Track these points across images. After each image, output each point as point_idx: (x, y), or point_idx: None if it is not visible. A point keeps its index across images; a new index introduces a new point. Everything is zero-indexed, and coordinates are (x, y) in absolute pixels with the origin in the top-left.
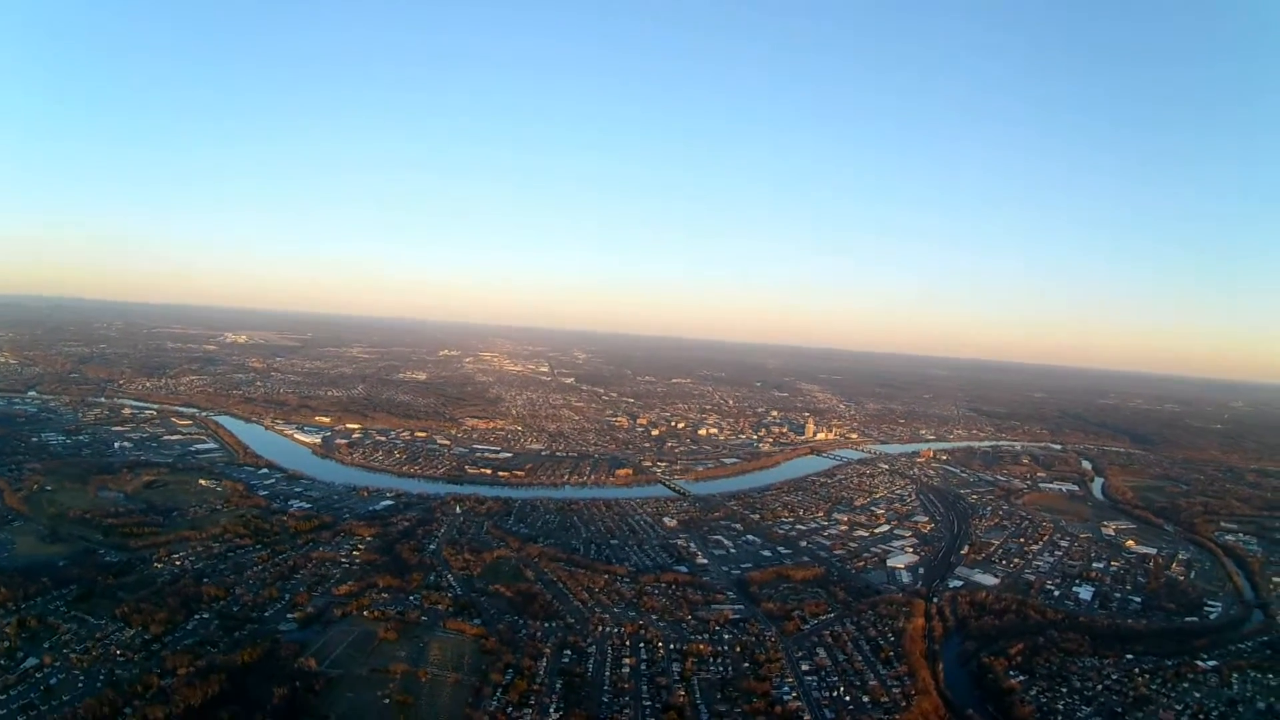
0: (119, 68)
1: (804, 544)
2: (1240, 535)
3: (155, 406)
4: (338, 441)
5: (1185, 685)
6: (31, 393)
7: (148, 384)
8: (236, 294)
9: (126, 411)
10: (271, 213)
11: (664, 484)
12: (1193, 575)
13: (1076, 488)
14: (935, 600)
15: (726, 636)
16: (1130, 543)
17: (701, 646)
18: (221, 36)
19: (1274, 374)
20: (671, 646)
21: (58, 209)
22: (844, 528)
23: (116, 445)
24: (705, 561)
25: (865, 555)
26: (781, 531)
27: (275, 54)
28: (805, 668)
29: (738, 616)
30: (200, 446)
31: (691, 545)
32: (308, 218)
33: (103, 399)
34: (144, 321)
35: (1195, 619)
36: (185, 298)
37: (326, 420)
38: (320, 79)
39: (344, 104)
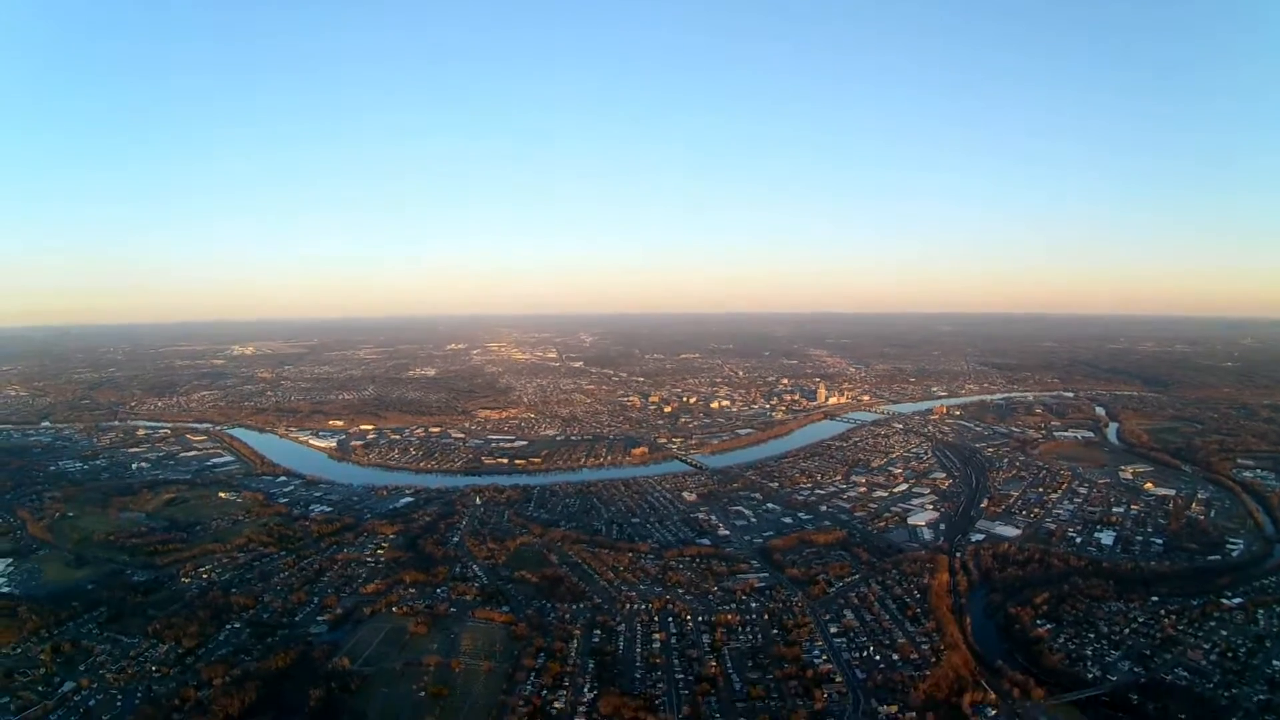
0: (107, 87)
1: (824, 508)
2: (1258, 471)
3: (169, 425)
4: (353, 443)
5: (1211, 624)
6: (45, 423)
7: (159, 404)
8: (240, 307)
9: (141, 432)
10: (266, 221)
11: (680, 459)
12: (1213, 514)
13: (1091, 434)
14: (958, 555)
15: (754, 605)
16: (1149, 485)
17: (729, 617)
18: (208, 44)
19: None
20: (700, 619)
21: (53, 238)
22: (863, 489)
23: (134, 466)
24: (727, 533)
25: (886, 515)
26: (801, 497)
27: (260, 60)
28: (834, 630)
29: (763, 584)
30: (217, 460)
31: (713, 517)
32: (303, 223)
33: (116, 422)
34: (150, 342)
35: (1218, 557)
36: (189, 315)
37: (340, 424)
38: (307, 79)
39: (330, 104)
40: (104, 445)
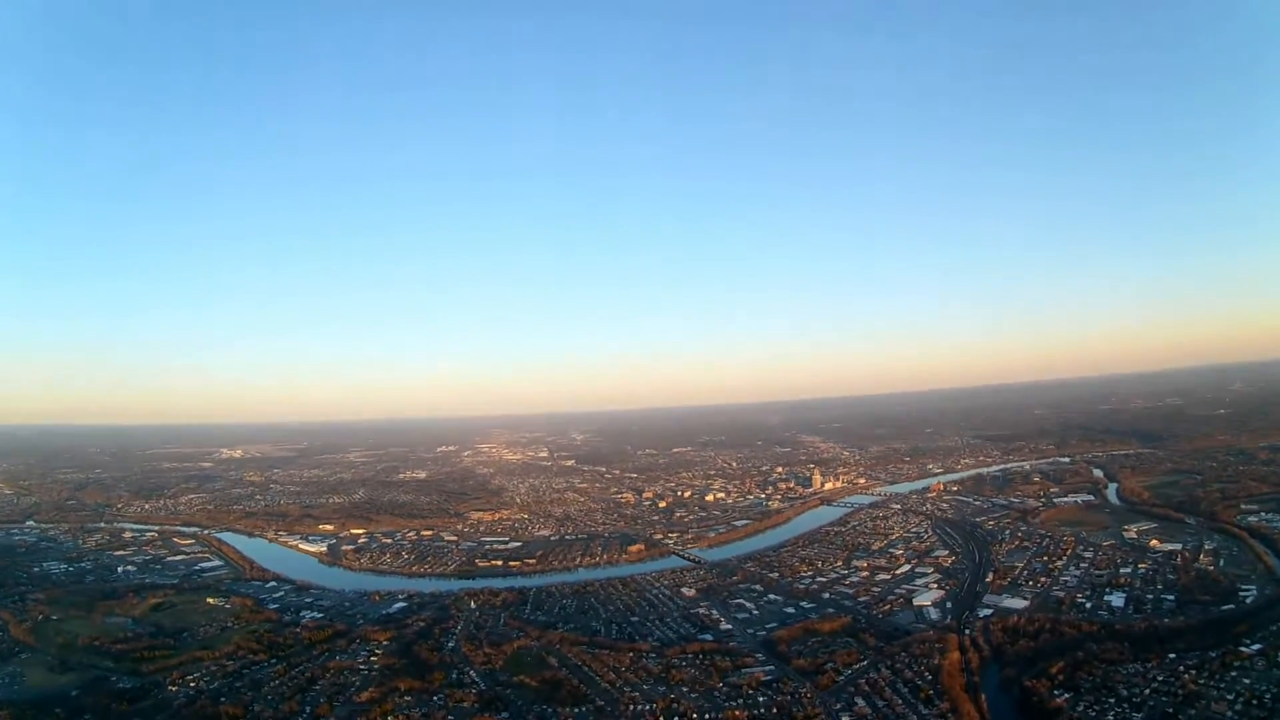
0: (88, 187)
1: (827, 595)
2: (1262, 514)
3: (156, 528)
4: (344, 548)
5: (1233, 674)
6: (30, 522)
7: (146, 506)
8: (228, 409)
9: (127, 535)
10: (255, 328)
11: (678, 554)
12: (1222, 563)
13: (1092, 497)
14: (967, 632)
15: (761, 699)
16: (1154, 542)
17: (737, 713)
18: (196, 139)
19: (1267, 350)
20: (706, 717)
21: (34, 332)
22: (865, 573)
23: (120, 569)
24: (729, 627)
25: (890, 598)
26: (802, 586)
27: (251, 166)
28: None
29: (770, 677)
30: (205, 565)
31: (714, 612)
32: (292, 329)
33: (102, 524)
34: (137, 443)
35: (1232, 606)
36: (177, 417)
37: (330, 528)
38: (296, 189)
39: (320, 217)
40: (90, 547)
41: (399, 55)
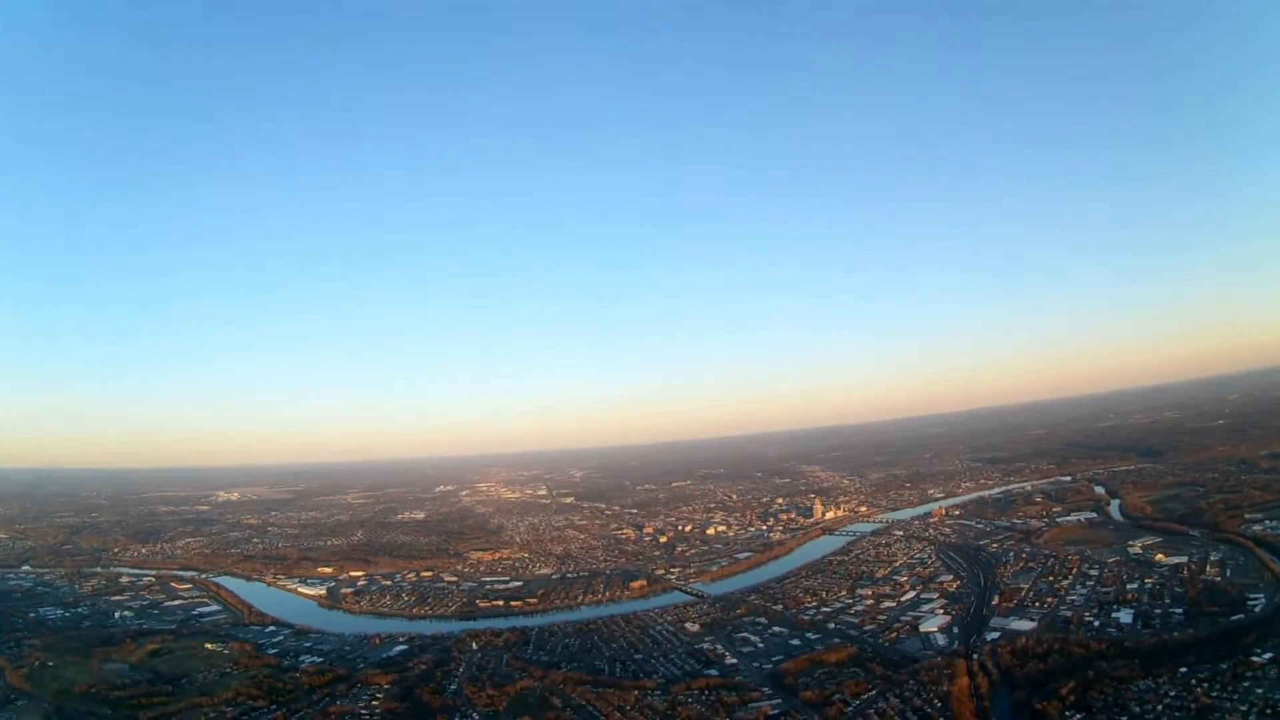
0: (86, 231)
1: (832, 626)
2: (1267, 523)
3: (153, 572)
4: (343, 591)
5: (1245, 684)
6: (25, 567)
7: (143, 550)
8: (224, 452)
9: (124, 580)
10: (252, 370)
11: (680, 589)
12: (1229, 574)
13: (1095, 514)
14: (975, 656)
15: None
16: (1160, 556)
17: None
18: (180, 188)
19: (1261, 359)
20: None
21: (27, 376)
22: (870, 602)
23: (117, 615)
24: (735, 661)
25: (896, 625)
26: (807, 617)
27: (248, 217)
28: None
29: (777, 711)
30: (203, 609)
31: (718, 647)
32: (288, 370)
33: (99, 568)
34: (133, 487)
35: (1241, 616)
36: (171, 460)
37: (329, 570)
38: (297, 242)
39: (312, 259)
40: (86, 592)
41: (424, 102)
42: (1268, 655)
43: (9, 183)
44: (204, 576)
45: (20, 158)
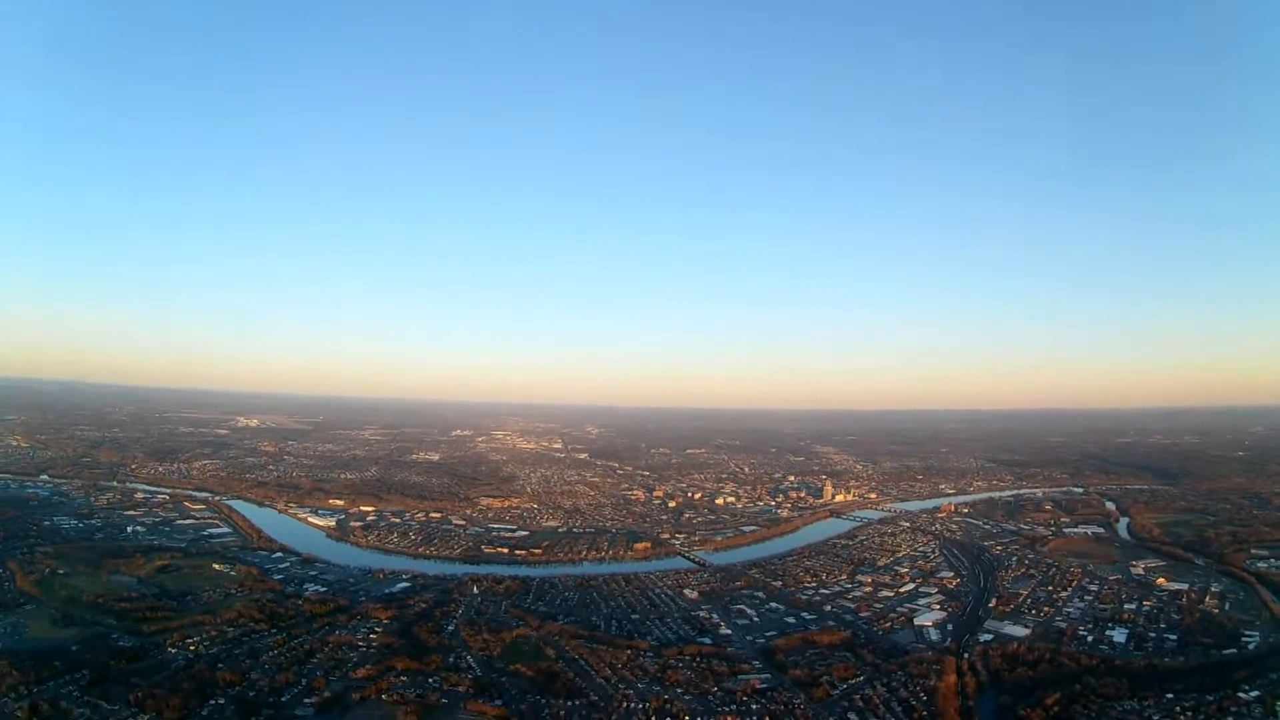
0: (123, 151)
1: (828, 608)
2: (1272, 562)
3: (168, 491)
4: (352, 524)
5: (1229, 719)
6: (44, 476)
7: (160, 468)
8: (247, 378)
9: (139, 496)
10: (280, 296)
11: (683, 555)
12: (1227, 607)
13: (1102, 529)
14: (966, 656)
15: (754, 707)
16: (1161, 580)
17: (729, 719)
18: (224, 119)
19: None
20: None
21: (65, 290)
22: (868, 589)
23: (129, 529)
24: (729, 632)
25: (891, 615)
26: (805, 597)
27: (276, 138)
28: None
29: (765, 686)
30: (213, 531)
31: (714, 616)
32: (316, 301)
33: (115, 483)
34: (155, 406)
35: (1233, 650)
36: (196, 382)
37: (340, 503)
38: (327, 165)
39: (350, 191)
40: (101, 505)
41: (430, 50)
42: (1255, 693)
43: (62, 108)
44: (217, 499)
45: (72, 79)
